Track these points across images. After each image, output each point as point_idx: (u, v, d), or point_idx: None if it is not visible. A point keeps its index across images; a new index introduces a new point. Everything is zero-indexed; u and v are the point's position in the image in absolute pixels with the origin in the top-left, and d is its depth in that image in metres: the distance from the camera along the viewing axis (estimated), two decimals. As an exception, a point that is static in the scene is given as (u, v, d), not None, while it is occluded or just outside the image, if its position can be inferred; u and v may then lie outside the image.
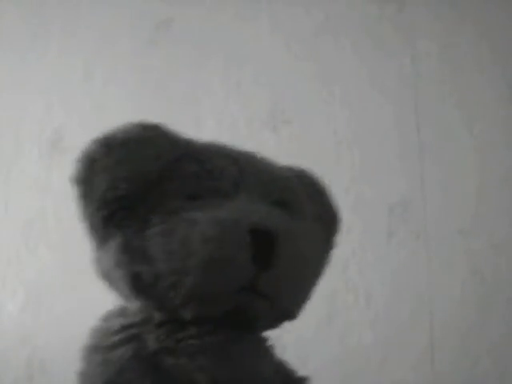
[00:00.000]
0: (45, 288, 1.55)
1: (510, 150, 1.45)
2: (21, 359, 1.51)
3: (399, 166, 1.47)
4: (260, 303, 0.59)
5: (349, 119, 1.52)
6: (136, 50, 1.67)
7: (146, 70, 1.65)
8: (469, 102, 1.49)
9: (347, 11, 1.59)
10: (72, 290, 1.52)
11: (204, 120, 1.58)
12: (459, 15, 1.54)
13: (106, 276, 0.64)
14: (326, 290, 1.42)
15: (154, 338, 0.58)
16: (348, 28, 1.58)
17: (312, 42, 1.59)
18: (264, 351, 0.64)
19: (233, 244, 0.55)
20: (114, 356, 0.58)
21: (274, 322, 0.65)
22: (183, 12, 1.67)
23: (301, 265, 0.61)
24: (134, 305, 0.62)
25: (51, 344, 1.50)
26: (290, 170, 0.71)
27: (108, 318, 0.65)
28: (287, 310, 0.63)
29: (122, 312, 0.64)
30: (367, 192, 1.47)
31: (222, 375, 0.56)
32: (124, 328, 0.60)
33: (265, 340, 0.65)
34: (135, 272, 0.58)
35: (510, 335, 1.35)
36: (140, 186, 0.60)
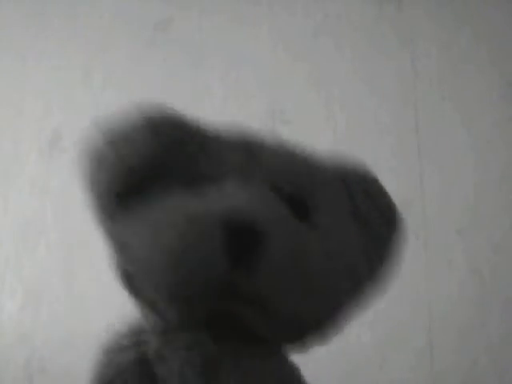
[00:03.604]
0: (44, 287, 1.55)
1: (508, 149, 1.45)
2: (20, 359, 1.51)
3: (398, 166, 1.48)
4: (245, 308, 0.53)
5: (348, 119, 1.52)
6: (135, 51, 1.67)
7: (144, 70, 1.65)
8: (468, 102, 1.49)
9: (346, 11, 1.59)
10: (71, 290, 1.52)
11: (203, 120, 1.58)
12: (458, 15, 1.54)
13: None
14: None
15: (154, 344, 0.55)
16: (347, 28, 1.58)
17: (311, 42, 1.59)
18: (267, 370, 0.56)
19: (206, 240, 0.50)
20: (118, 359, 0.56)
21: (294, 337, 0.57)
22: (182, 12, 1.67)
23: (296, 269, 0.53)
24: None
25: (50, 343, 1.50)
26: (334, 165, 0.64)
27: (131, 322, 0.62)
28: (296, 322, 0.55)
29: (132, 327, 0.61)
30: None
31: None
32: (133, 333, 0.58)
33: (279, 359, 0.58)
34: (125, 271, 0.56)
35: (508, 334, 1.35)
36: (138, 180, 0.57)
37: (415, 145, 1.48)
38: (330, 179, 0.61)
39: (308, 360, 1.36)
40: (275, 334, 0.56)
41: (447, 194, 1.44)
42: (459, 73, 1.50)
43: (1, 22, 1.76)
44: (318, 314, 0.57)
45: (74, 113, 1.66)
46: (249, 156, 0.58)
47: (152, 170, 0.57)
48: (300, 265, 0.53)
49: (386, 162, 1.48)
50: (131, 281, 0.55)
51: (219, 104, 1.59)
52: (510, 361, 1.34)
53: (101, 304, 1.45)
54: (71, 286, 1.52)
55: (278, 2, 1.63)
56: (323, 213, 0.58)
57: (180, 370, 0.53)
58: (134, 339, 0.57)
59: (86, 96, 1.66)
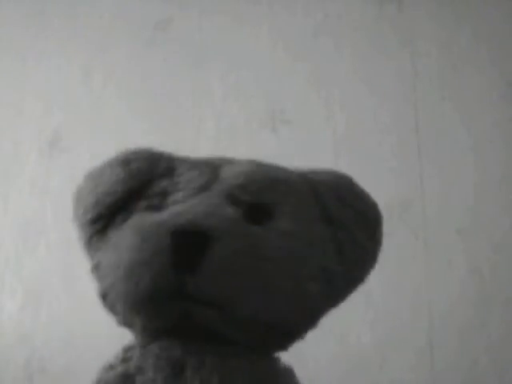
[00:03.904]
0: (44, 287, 1.54)
1: (508, 149, 1.45)
2: (20, 359, 1.51)
3: (398, 165, 1.48)
4: (202, 310, 0.55)
5: (348, 119, 1.52)
6: (135, 51, 1.67)
7: (144, 70, 1.65)
8: (467, 101, 1.49)
9: (346, 11, 1.59)
10: (71, 290, 1.52)
11: (203, 120, 1.58)
12: (458, 15, 1.54)
13: None
14: (325, 289, 1.42)
15: (135, 358, 0.58)
16: (347, 28, 1.58)
17: (311, 42, 1.59)
18: (235, 368, 0.57)
19: (150, 248, 0.54)
20: (105, 376, 0.59)
21: (263, 338, 0.59)
22: (182, 12, 1.67)
23: (250, 267, 0.54)
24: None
25: (50, 343, 1.50)
26: (305, 175, 0.66)
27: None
28: (256, 319, 0.57)
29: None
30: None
31: None
32: (122, 351, 0.61)
33: (252, 359, 0.59)
34: (101, 292, 0.61)
35: (508, 334, 1.35)
36: (107, 210, 0.63)
37: (415, 145, 1.48)
38: (295, 188, 0.63)
39: (308, 360, 1.36)
40: (240, 333, 0.57)
41: (447, 194, 1.44)
42: (459, 73, 1.50)
43: (1, 21, 1.76)
44: (284, 315, 0.58)
45: (74, 113, 1.66)
46: (211, 174, 0.62)
47: (123, 198, 0.62)
48: (252, 265, 0.55)
49: (386, 162, 1.48)
50: (106, 301, 0.61)
51: (219, 104, 1.59)
52: (510, 361, 1.34)
53: (100, 304, 1.45)
54: (71, 286, 1.52)
55: (277, 2, 1.63)
56: (286, 218, 0.60)
57: (153, 377, 0.55)
58: (121, 357, 0.60)
59: (85, 96, 1.66)
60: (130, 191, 0.63)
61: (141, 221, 0.58)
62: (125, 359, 0.59)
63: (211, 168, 0.63)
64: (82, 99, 1.66)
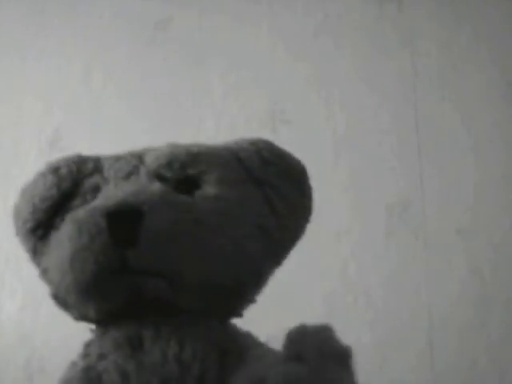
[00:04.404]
0: (44, 288, 1.54)
1: (508, 149, 1.45)
2: (20, 359, 1.51)
3: (398, 165, 1.48)
4: (150, 282, 0.57)
5: (348, 119, 1.52)
6: (135, 51, 1.67)
7: (144, 70, 1.65)
8: (467, 101, 1.49)
9: (346, 11, 1.59)
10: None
11: (203, 120, 1.58)
12: (458, 15, 1.54)
13: None
14: (325, 290, 1.42)
15: (96, 348, 0.60)
16: (347, 28, 1.58)
17: (311, 41, 1.59)
18: (189, 335, 0.58)
19: (88, 233, 0.56)
20: (68, 374, 0.60)
21: (214, 302, 0.60)
22: (182, 12, 1.67)
23: (183, 232, 0.57)
24: None
25: (50, 344, 1.50)
26: (228, 146, 0.69)
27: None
28: (202, 283, 0.58)
29: None
30: (366, 192, 1.47)
31: (129, 367, 0.55)
32: (85, 345, 0.62)
33: (207, 324, 0.60)
34: (53, 293, 0.64)
35: (508, 334, 1.35)
36: (45, 215, 0.65)
37: (415, 145, 1.48)
38: (218, 158, 0.65)
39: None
40: (191, 301, 0.59)
41: (447, 194, 1.44)
42: (459, 73, 1.50)
43: (1, 21, 1.76)
44: (228, 275, 0.60)
45: (74, 113, 1.66)
46: (136, 161, 0.65)
47: (58, 201, 0.65)
48: (187, 230, 0.58)
49: (386, 162, 1.48)
50: (58, 299, 0.64)
51: (219, 104, 1.59)
52: (510, 361, 1.34)
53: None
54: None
55: (277, 2, 1.63)
56: (213, 184, 0.62)
57: (114, 359, 0.56)
58: (83, 352, 0.61)
59: (85, 96, 1.66)
60: (64, 193, 0.65)
61: (75, 213, 0.60)
62: (86, 354, 0.60)
63: (136, 157, 0.65)
64: (81, 99, 1.66)
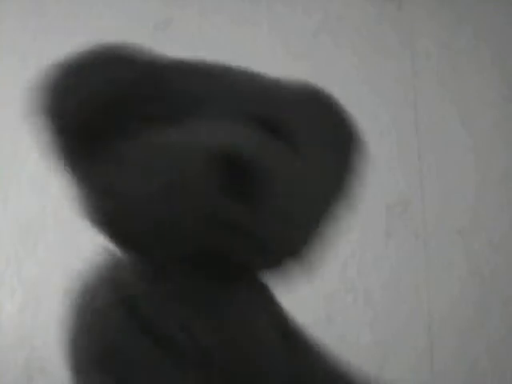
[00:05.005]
0: (43, 288, 1.54)
1: (508, 149, 1.45)
2: (20, 359, 1.51)
3: (398, 165, 1.48)
4: (238, 240, 0.51)
5: (348, 119, 1.52)
6: (135, 50, 1.66)
7: (145, 69, 1.65)
8: (467, 101, 1.49)
9: (346, 11, 1.59)
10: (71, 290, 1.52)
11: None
12: (458, 15, 1.54)
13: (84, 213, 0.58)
14: (325, 290, 1.42)
15: (128, 280, 0.53)
16: (347, 28, 1.58)
17: (311, 41, 1.59)
18: (256, 302, 0.55)
19: (194, 170, 0.49)
20: (91, 302, 0.54)
21: (274, 264, 0.56)
22: (182, 12, 1.67)
23: (285, 195, 0.52)
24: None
25: (50, 344, 1.50)
26: (291, 85, 0.61)
27: (93, 272, 0.59)
28: (278, 246, 0.54)
29: (106, 262, 0.59)
30: (366, 192, 1.47)
31: (196, 325, 0.50)
32: (108, 271, 0.56)
33: (262, 288, 0.57)
34: (94, 206, 0.53)
35: (508, 335, 1.35)
36: (95, 113, 0.53)
37: (415, 145, 1.48)
38: (292, 99, 0.60)
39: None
40: (268, 264, 0.55)
41: (447, 194, 1.44)
42: (459, 72, 1.50)
43: (1, 21, 1.76)
44: (305, 238, 0.56)
45: (74, 113, 1.66)
46: (214, 83, 0.56)
47: (122, 102, 0.54)
48: (297, 193, 0.53)
49: (386, 162, 1.48)
50: (111, 223, 0.53)
51: (219, 104, 1.59)
52: (510, 361, 1.34)
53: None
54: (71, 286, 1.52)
55: (278, 2, 1.63)
56: (299, 137, 0.56)
57: (164, 303, 0.51)
58: (110, 277, 0.55)
59: (85, 96, 1.66)
60: (115, 95, 0.54)
61: (179, 143, 0.51)
62: (118, 282, 0.54)
63: (202, 75, 0.57)
64: (81, 99, 1.66)
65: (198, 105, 0.54)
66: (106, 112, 0.53)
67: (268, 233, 0.51)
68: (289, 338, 0.56)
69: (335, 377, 0.52)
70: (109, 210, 0.53)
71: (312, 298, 1.40)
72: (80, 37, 1.72)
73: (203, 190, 0.49)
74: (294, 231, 0.54)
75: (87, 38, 1.72)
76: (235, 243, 0.51)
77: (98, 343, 0.51)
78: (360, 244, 1.43)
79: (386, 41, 1.55)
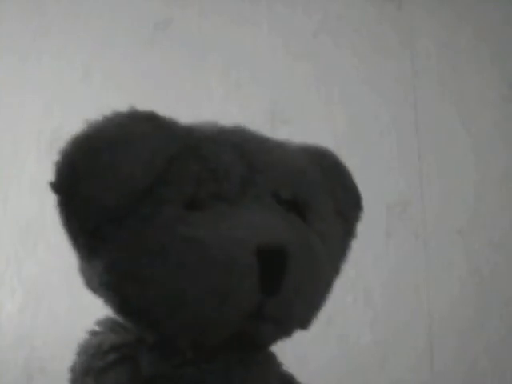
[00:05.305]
0: (44, 288, 1.54)
1: (508, 149, 1.45)
2: (20, 359, 1.51)
3: (398, 165, 1.48)
4: (267, 327, 0.51)
5: (348, 119, 1.52)
6: (135, 51, 1.67)
7: (144, 70, 1.65)
8: (467, 101, 1.49)
9: (346, 11, 1.59)
10: (71, 290, 1.52)
11: (203, 120, 1.58)
12: (458, 15, 1.54)
13: (93, 290, 0.57)
14: (325, 289, 1.42)
15: (148, 361, 0.51)
16: (347, 28, 1.58)
17: (311, 41, 1.59)
18: (268, 370, 0.57)
19: (238, 270, 0.47)
20: (107, 380, 0.52)
21: (283, 337, 0.56)
22: (182, 12, 1.67)
23: (314, 281, 0.53)
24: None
25: (50, 344, 1.50)
26: (304, 152, 0.60)
27: (98, 332, 0.58)
28: (298, 326, 0.56)
29: (113, 326, 0.57)
30: (366, 191, 1.46)
31: None
32: (116, 347, 0.53)
33: (270, 356, 0.58)
34: (124, 295, 0.51)
35: (508, 335, 1.35)
36: (130, 194, 0.50)
37: (415, 145, 1.48)
38: (312, 169, 0.58)
39: (308, 360, 1.36)
40: (278, 339, 0.56)
41: (447, 194, 1.44)
42: (459, 72, 1.50)
43: (1, 21, 1.76)
44: (315, 314, 0.57)
45: (74, 113, 1.66)
46: (247, 162, 0.53)
47: (140, 188, 0.50)
48: (317, 276, 0.53)
49: (386, 162, 1.48)
50: (128, 305, 0.52)
51: (219, 104, 1.59)
52: (510, 361, 1.34)
53: (101, 304, 1.45)
54: (70, 286, 1.52)
55: (278, 2, 1.63)
56: (319, 210, 0.56)
57: None
58: (116, 356, 0.53)
59: (85, 96, 1.66)
60: (154, 172, 0.50)
61: (217, 229, 0.49)
62: (126, 359, 0.52)
63: (240, 149, 0.54)
64: (81, 99, 1.66)
65: (240, 188, 0.52)
66: (136, 194, 0.50)
67: (293, 318, 0.53)
68: None
69: None
70: (136, 299, 0.50)
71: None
72: (79, 37, 1.72)
73: (246, 289, 0.48)
74: (313, 312, 0.56)
75: (87, 37, 1.72)
76: (263, 330, 0.51)
77: None
78: (359, 244, 1.43)
79: (386, 41, 1.55)
